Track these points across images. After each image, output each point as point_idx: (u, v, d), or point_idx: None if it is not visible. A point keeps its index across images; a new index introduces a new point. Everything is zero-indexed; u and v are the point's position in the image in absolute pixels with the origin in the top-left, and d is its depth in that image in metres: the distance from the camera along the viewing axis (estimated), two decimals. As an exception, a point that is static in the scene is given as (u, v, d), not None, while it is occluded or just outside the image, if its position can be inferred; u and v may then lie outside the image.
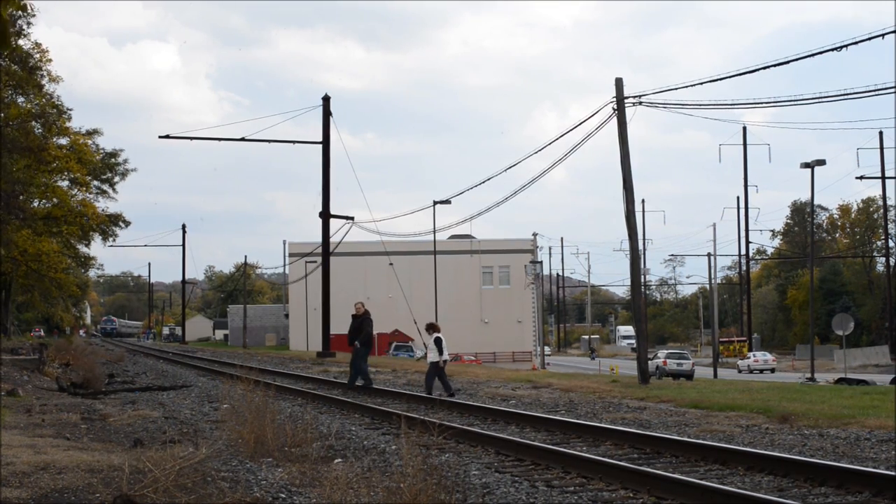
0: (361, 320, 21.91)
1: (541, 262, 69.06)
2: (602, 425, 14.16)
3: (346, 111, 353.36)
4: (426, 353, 21.29)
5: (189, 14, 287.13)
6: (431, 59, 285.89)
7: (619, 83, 27.93)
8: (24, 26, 40.62)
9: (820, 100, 27.29)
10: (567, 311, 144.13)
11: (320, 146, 43.62)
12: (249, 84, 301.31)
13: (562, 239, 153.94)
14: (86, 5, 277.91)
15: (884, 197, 74.02)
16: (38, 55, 43.49)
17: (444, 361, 20.85)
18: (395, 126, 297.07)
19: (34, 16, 41.04)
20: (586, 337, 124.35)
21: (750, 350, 76.94)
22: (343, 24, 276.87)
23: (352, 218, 45.92)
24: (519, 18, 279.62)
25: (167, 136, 43.57)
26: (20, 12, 36.13)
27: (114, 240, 61.37)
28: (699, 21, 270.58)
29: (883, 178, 66.81)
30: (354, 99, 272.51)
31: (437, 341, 20.66)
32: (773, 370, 61.48)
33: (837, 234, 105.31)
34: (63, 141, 50.92)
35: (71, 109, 50.02)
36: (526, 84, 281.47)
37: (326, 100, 43.69)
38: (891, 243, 75.93)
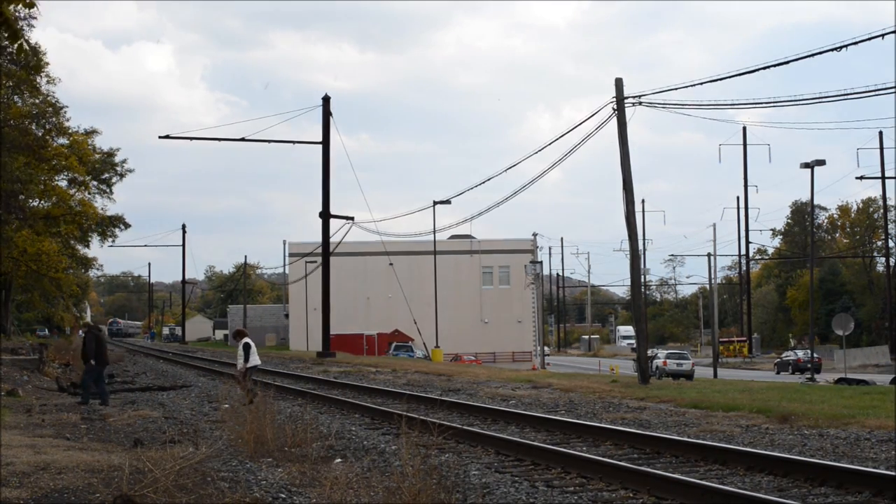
0: (86, 337, 20.78)
1: (541, 262, 69.03)
2: (602, 425, 14.16)
3: (340, 112, 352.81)
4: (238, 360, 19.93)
5: (183, 15, 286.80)
6: (426, 60, 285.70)
7: (618, 83, 27.89)
8: (26, 28, 40.52)
9: (819, 100, 27.28)
10: (567, 311, 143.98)
11: (320, 146, 43.60)
12: (245, 85, 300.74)
13: (562, 239, 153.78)
14: (79, 6, 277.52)
15: (884, 197, 73.96)
16: (36, 58, 43.32)
17: (254, 368, 19.85)
18: (389, 126, 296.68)
19: (35, 18, 40.97)
20: (586, 337, 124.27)
21: (750, 351, 76.99)
22: (338, 25, 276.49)
23: (352, 218, 45.90)
24: (513, 19, 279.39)
25: (167, 137, 43.54)
26: (26, 10, 35.95)
27: (113, 241, 61.40)
28: (690, 22, 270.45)
29: (883, 178, 66.80)
30: (349, 99, 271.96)
31: (246, 347, 19.58)
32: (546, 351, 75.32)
33: (837, 234, 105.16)
34: (62, 140, 50.84)
35: (67, 107, 50.00)
36: (520, 85, 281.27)
37: (326, 100, 43.63)
38: (891, 243, 75.84)
